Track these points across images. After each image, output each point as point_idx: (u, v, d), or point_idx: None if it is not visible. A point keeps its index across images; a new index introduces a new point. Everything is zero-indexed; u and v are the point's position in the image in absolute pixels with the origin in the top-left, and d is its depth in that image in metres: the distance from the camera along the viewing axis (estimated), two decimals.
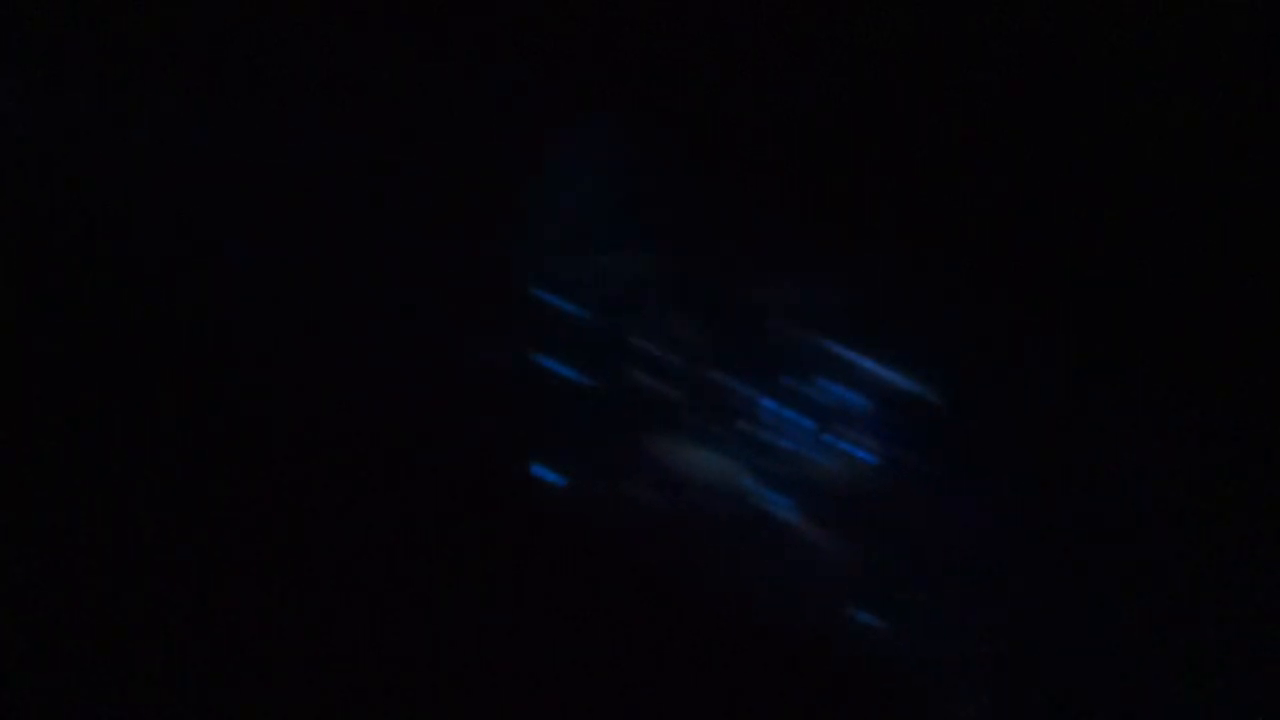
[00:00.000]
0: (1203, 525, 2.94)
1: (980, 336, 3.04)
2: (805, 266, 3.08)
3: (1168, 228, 3.07)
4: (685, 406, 3.02)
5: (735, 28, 3.19)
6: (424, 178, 3.15)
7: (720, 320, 3.06)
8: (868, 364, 3.02)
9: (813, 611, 2.98)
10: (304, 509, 3.08)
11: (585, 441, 3.06)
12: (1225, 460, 2.96)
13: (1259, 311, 3.01)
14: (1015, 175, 3.10)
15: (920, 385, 3.01)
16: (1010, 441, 3.00)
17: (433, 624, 3.04)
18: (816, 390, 3.01)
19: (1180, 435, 2.98)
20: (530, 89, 3.17)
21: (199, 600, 3.05)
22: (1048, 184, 3.10)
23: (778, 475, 3.00)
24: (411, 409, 3.10)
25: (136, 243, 3.19)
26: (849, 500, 2.98)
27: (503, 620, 3.04)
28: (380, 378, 3.12)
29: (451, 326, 3.11)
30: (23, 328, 3.16)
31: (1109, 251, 3.07)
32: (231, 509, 3.09)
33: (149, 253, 3.18)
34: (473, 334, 3.10)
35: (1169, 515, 2.95)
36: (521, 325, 3.08)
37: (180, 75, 3.20)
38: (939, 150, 3.12)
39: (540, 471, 3.05)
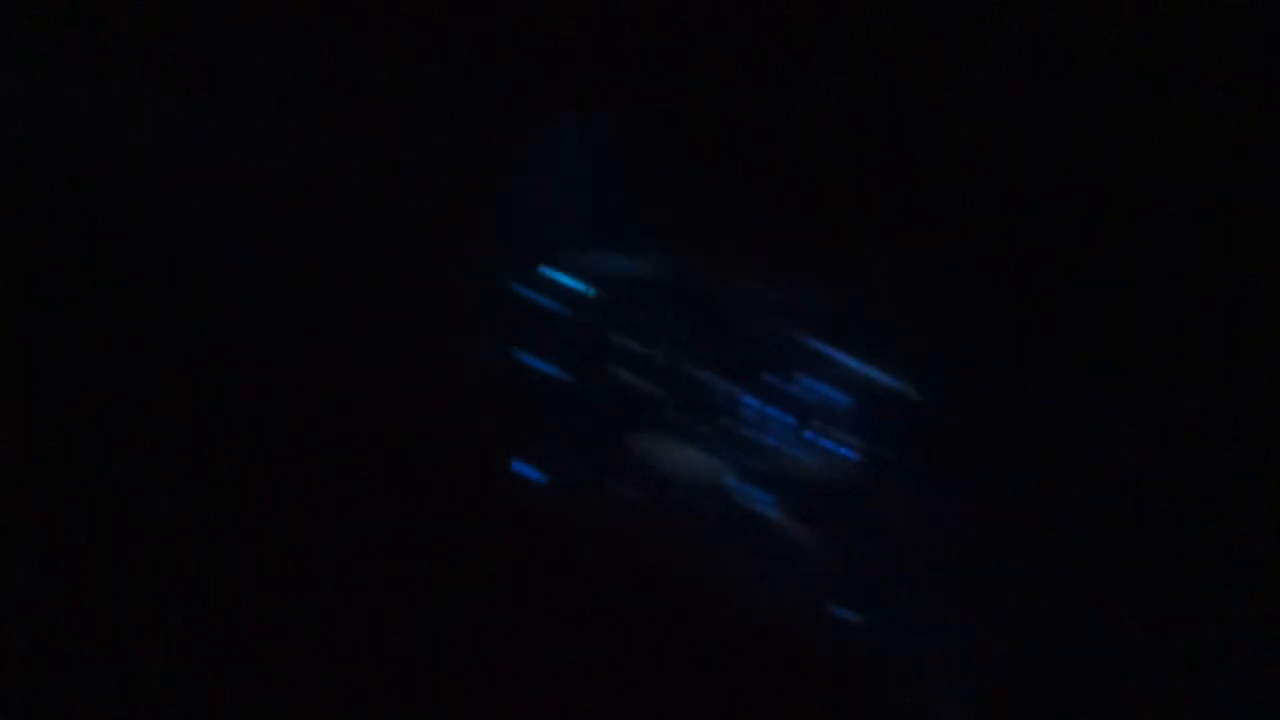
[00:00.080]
0: (1183, 519, 2.94)
1: (961, 334, 3.04)
2: (787, 264, 3.09)
3: (1163, 227, 3.07)
4: (667, 403, 3.02)
5: (734, 26, 3.19)
6: (408, 175, 3.15)
7: (702, 318, 3.06)
8: (849, 361, 3.02)
9: (793, 607, 2.98)
10: (287, 504, 3.08)
11: (567, 439, 3.06)
12: (1208, 452, 2.97)
13: (1244, 308, 3.01)
14: (1007, 173, 3.10)
15: (900, 382, 3.01)
16: (990, 438, 3.01)
17: (413, 619, 3.04)
18: (798, 387, 3.02)
19: (1161, 429, 2.98)
20: (526, 88, 3.17)
21: (193, 590, 3.06)
22: (1040, 181, 3.10)
23: (759, 472, 3.00)
24: (395, 405, 3.10)
25: (135, 242, 3.19)
26: (830, 497, 2.98)
27: (483, 616, 3.04)
28: (363, 374, 3.12)
29: (434, 323, 3.11)
30: (23, 328, 3.16)
31: (1089, 248, 3.07)
32: (221, 504, 3.09)
33: (148, 252, 3.18)
34: (456, 331, 3.10)
35: (1150, 509, 2.95)
36: (504, 322, 3.08)
37: (180, 75, 3.20)
38: (927, 149, 3.12)
39: (522, 468, 3.05)
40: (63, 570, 3.07)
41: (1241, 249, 3.05)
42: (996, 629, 2.94)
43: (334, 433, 3.08)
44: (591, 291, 3.08)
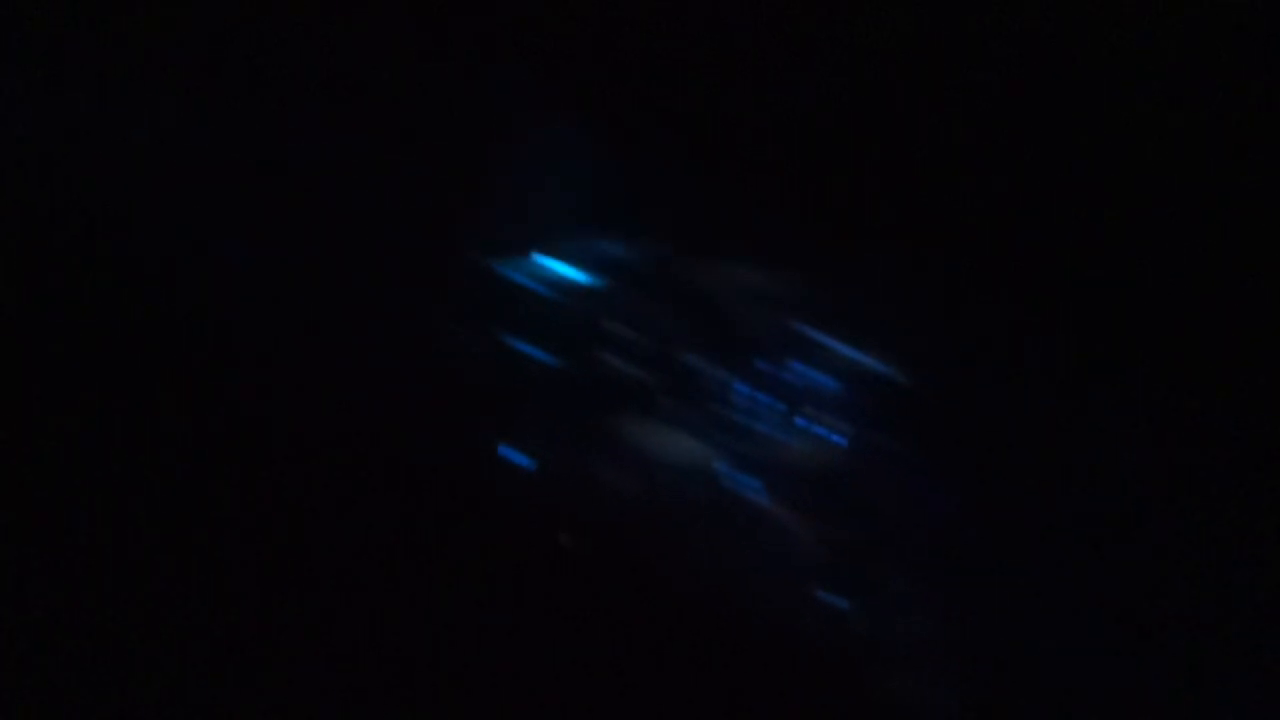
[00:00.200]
0: (1176, 506, 2.95)
1: (952, 321, 3.04)
2: (778, 249, 3.09)
3: (1163, 227, 3.07)
4: (657, 390, 3.02)
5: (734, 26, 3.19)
6: (399, 163, 3.15)
7: (692, 304, 3.07)
8: (839, 347, 3.02)
9: (782, 593, 2.98)
10: (276, 488, 3.08)
11: (556, 424, 3.06)
12: (1195, 444, 2.97)
13: (1244, 308, 3.01)
14: (1007, 173, 3.10)
15: (891, 369, 3.02)
16: (981, 425, 3.01)
17: (401, 605, 3.04)
18: (788, 373, 3.02)
19: (1150, 421, 2.98)
20: (526, 88, 3.17)
21: (191, 584, 3.06)
22: (1040, 181, 3.10)
23: (750, 458, 3.01)
24: (384, 391, 3.10)
25: (135, 242, 3.19)
26: (820, 483, 2.99)
27: (472, 602, 3.04)
28: (353, 360, 3.12)
29: (424, 309, 3.11)
30: (23, 328, 3.16)
31: (1077, 242, 3.07)
32: (214, 496, 3.09)
33: (147, 252, 3.18)
34: (445, 316, 3.10)
35: (1138, 500, 2.96)
36: (494, 308, 3.08)
37: (180, 75, 3.20)
38: (926, 148, 3.12)
39: (511, 454, 3.05)
40: (63, 570, 3.07)
41: (1241, 249, 3.05)
42: (985, 616, 2.94)
43: (324, 418, 3.08)
44: (582, 277, 3.08)
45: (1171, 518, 2.94)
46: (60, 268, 3.17)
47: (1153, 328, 3.03)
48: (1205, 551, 2.93)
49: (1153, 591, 2.92)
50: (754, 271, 3.08)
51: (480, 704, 3.01)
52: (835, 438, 3.00)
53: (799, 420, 3.02)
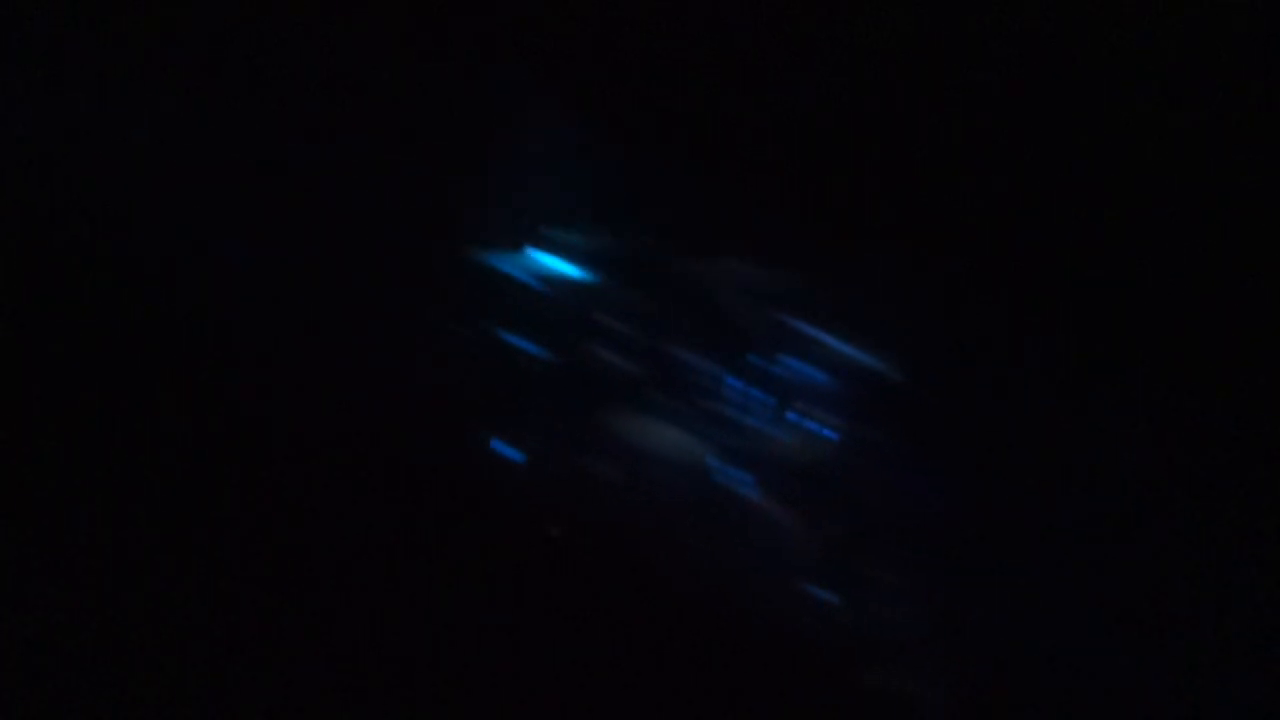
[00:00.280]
0: (1166, 504, 2.95)
1: (943, 315, 3.04)
2: (770, 245, 3.09)
3: (1163, 227, 3.07)
4: (649, 383, 3.02)
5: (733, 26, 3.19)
6: (393, 159, 3.15)
7: (685, 299, 3.07)
8: (831, 342, 3.02)
9: (773, 587, 2.99)
10: (265, 485, 3.08)
11: (548, 418, 3.06)
12: (1183, 435, 2.98)
13: (1244, 308, 3.01)
14: (996, 167, 3.10)
15: (882, 364, 3.02)
16: (972, 420, 3.01)
17: (391, 598, 3.05)
18: (780, 368, 3.02)
19: (1146, 416, 2.99)
20: (520, 83, 3.17)
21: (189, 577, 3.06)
22: (1031, 176, 3.10)
23: (741, 452, 3.01)
24: (377, 384, 3.10)
25: (135, 242, 3.19)
26: (811, 477, 2.99)
27: (463, 594, 3.04)
28: (347, 354, 3.12)
29: (418, 302, 3.11)
30: (23, 328, 3.16)
31: (1074, 240, 3.07)
32: (211, 491, 3.09)
33: (147, 252, 3.18)
34: (439, 309, 3.10)
35: (1133, 494, 2.96)
36: (487, 301, 3.08)
37: (180, 75, 3.20)
38: (913, 140, 3.12)
39: (502, 448, 3.05)
40: (63, 570, 3.07)
41: (1241, 249, 3.05)
42: (976, 611, 2.95)
43: (318, 412, 3.09)
44: (574, 272, 3.08)
45: (1166, 513, 2.95)
46: (60, 268, 3.17)
47: (1152, 326, 3.03)
48: (1203, 549, 2.93)
49: (1146, 586, 2.93)
50: (746, 266, 3.08)
51: (473, 695, 3.01)
52: (827, 432, 3.00)
53: (791, 415, 3.02)
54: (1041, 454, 2.99)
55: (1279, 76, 3.05)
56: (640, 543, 3.02)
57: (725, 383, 3.03)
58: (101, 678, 3.02)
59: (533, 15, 3.17)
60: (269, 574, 3.06)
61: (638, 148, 3.13)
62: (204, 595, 3.06)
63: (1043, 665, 2.91)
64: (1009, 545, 2.96)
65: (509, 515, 3.04)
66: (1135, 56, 3.07)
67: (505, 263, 3.10)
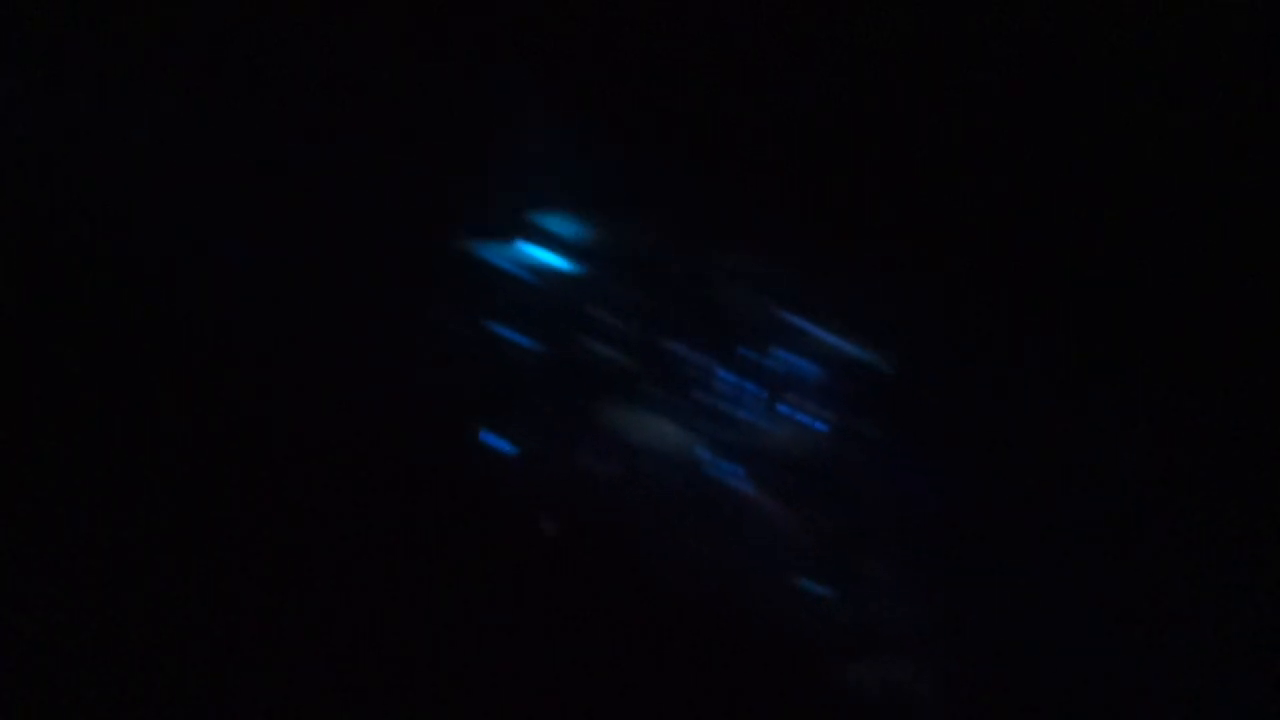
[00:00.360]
0: (1157, 497, 2.95)
1: (937, 309, 3.04)
2: (763, 237, 3.09)
3: (1163, 227, 3.07)
4: (640, 376, 3.03)
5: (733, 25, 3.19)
6: (387, 152, 3.16)
7: (676, 291, 3.07)
8: (823, 335, 3.02)
9: (764, 581, 2.99)
10: (261, 473, 3.08)
11: (539, 411, 3.06)
12: (1183, 435, 2.98)
13: (1244, 308, 3.02)
14: (996, 166, 3.10)
15: (874, 356, 3.02)
16: (964, 413, 3.01)
17: (381, 592, 3.05)
18: (772, 360, 3.02)
19: (1137, 411, 2.99)
20: (516, 79, 3.17)
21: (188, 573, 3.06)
22: (1031, 176, 3.10)
23: (732, 445, 3.01)
24: (368, 377, 3.10)
25: (135, 242, 3.19)
26: (803, 471, 2.99)
27: (453, 589, 3.04)
28: (337, 346, 3.12)
29: (409, 294, 3.11)
30: (23, 328, 3.16)
31: (1066, 236, 3.07)
32: (210, 491, 3.10)
33: (147, 252, 3.19)
34: (429, 301, 3.10)
35: (1127, 489, 2.96)
36: (478, 293, 3.08)
37: (180, 75, 3.20)
38: (912, 139, 3.12)
39: (493, 440, 3.05)
40: (63, 570, 3.07)
41: (1241, 249, 3.05)
42: (969, 604, 2.95)
43: (312, 407, 3.09)
44: (566, 264, 3.08)
45: (1164, 509, 2.95)
46: (60, 268, 3.17)
47: (1151, 327, 3.04)
48: (1199, 544, 2.94)
49: (1144, 582, 2.93)
50: (741, 259, 3.08)
51: (471, 689, 3.01)
52: (818, 425, 3.01)
53: (782, 407, 3.02)
54: (1037, 449, 2.99)
55: (1279, 76, 3.05)
56: (633, 536, 3.02)
57: (718, 376, 3.03)
58: (102, 678, 3.02)
59: (533, 15, 3.17)
60: (264, 571, 3.06)
61: (635, 145, 3.13)
62: (204, 586, 3.06)
63: (1039, 662, 2.92)
64: (1004, 540, 2.97)
65: (501, 509, 3.04)
66: (1135, 56, 3.07)
67: (498, 256, 3.10)
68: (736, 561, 3.00)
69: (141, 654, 3.03)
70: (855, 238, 3.07)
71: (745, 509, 2.99)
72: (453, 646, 3.02)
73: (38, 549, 3.08)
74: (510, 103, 3.16)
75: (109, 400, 3.14)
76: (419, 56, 3.18)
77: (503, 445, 3.05)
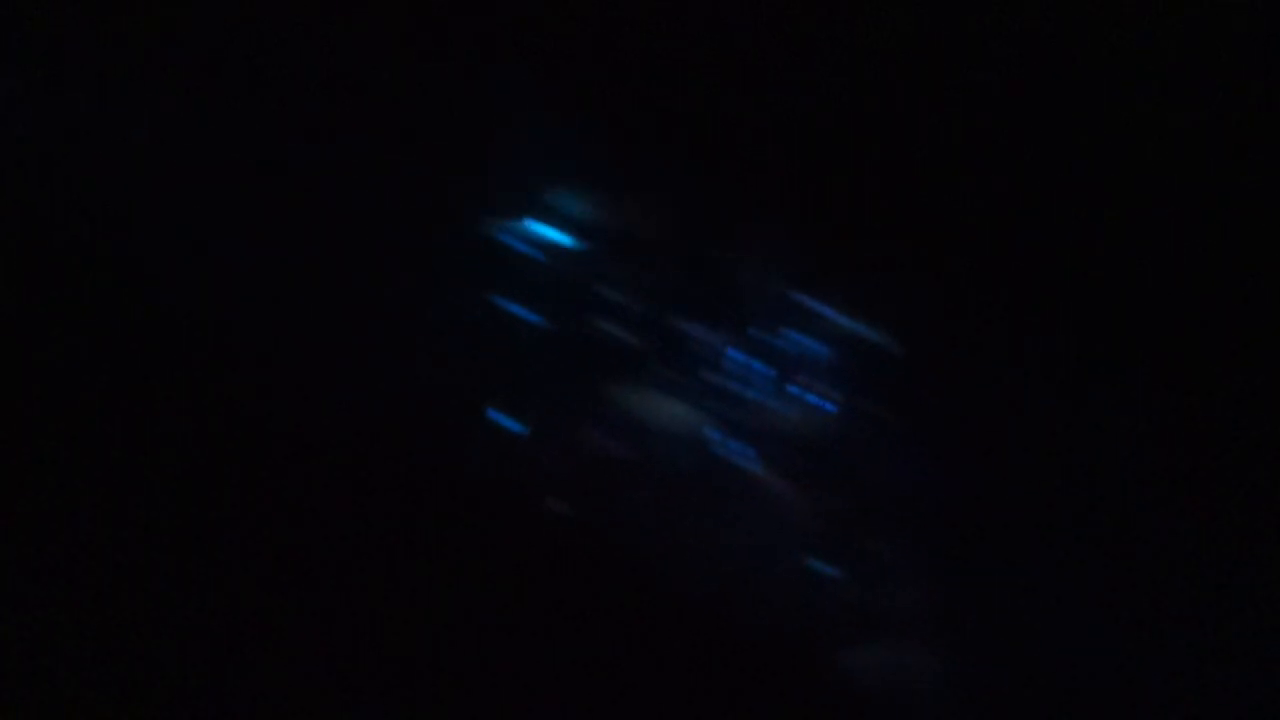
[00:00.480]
0: (1158, 480, 2.96)
1: (943, 290, 3.04)
2: (775, 218, 3.09)
3: (1163, 227, 3.07)
4: (650, 356, 3.02)
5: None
6: (391, 132, 3.15)
7: (687, 271, 3.07)
8: (833, 316, 3.02)
9: (771, 560, 2.99)
10: (265, 450, 3.08)
11: (548, 389, 3.06)
12: (1176, 420, 2.98)
13: (1244, 308, 3.02)
14: (995, 164, 3.11)
15: (884, 338, 3.02)
16: (973, 395, 3.01)
17: (389, 571, 3.04)
18: (782, 341, 3.02)
19: (1139, 397, 2.99)
20: (522, 75, 3.17)
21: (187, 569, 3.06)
22: (1032, 171, 3.11)
23: (741, 425, 3.01)
24: (377, 354, 3.10)
25: (135, 242, 3.19)
26: (811, 451, 2.99)
27: (462, 566, 3.04)
28: (346, 324, 3.12)
29: (418, 273, 3.11)
30: (23, 328, 3.16)
31: (1067, 213, 3.08)
32: (215, 482, 3.10)
33: (147, 252, 3.19)
34: (439, 280, 3.10)
35: (1128, 470, 2.96)
36: (488, 272, 3.08)
37: (180, 75, 3.20)
38: (914, 136, 3.12)
39: (501, 419, 3.04)
40: (63, 570, 3.07)
41: (1242, 249, 3.05)
42: (975, 585, 2.95)
43: (316, 388, 3.09)
44: (576, 243, 3.08)
45: (1164, 491, 2.95)
46: (60, 268, 3.17)
47: (1151, 318, 3.04)
48: (1200, 535, 2.94)
49: (1145, 562, 2.93)
50: (750, 240, 3.08)
51: (476, 661, 3.01)
52: (828, 406, 3.00)
53: (792, 388, 3.02)
54: (1046, 433, 2.99)
55: (1279, 76, 3.06)
56: (641, 515, 3.02)
57: (728, 356, 3.03)
58: (102, 678, 3.02)
59: (533, 15, 3.17)
60: (275, 550, 3.06)
61: (649, 128, 3.13)
62: (211, 574, 3.06)
63: (1043, 644, 2.92)
64: (1011, 522, 2.97)
65: (510, 487, 3.04)
66: (1135, 56, 3.08)
67: (510, 236, 3.09)
68: (743, 540, 3.00)
69: (142, 653, 3.03)
70: (866, 220, 3.07)
71: (753, 488, 2.99)
72: (463, 624, 3.02)
73: (38, 549, 3.07)
74: (521, 86, 3.16)
75: (109, 400, 3.14)
76: (421, 45, 3.18)
77: (512, 424, 3.05)
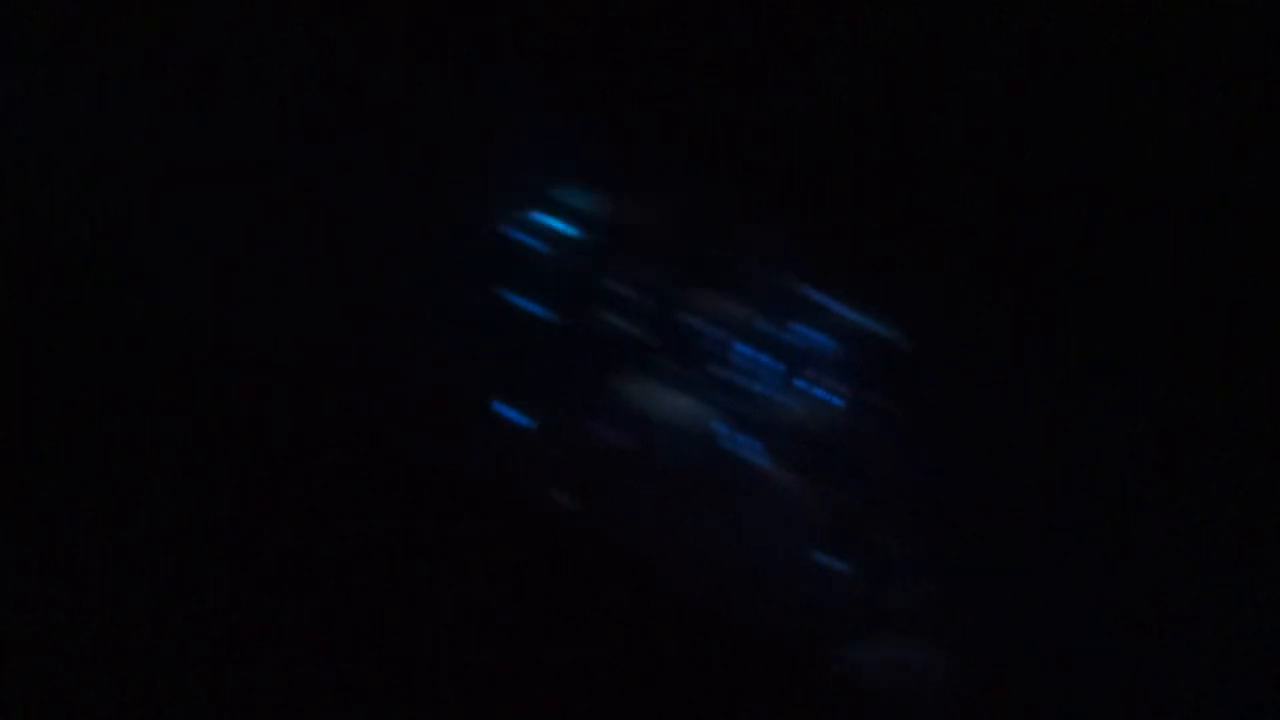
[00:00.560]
0: (1163, 480, 2.96)
1: (951, 284, 3.05)
2: (782, 211, 3.09)
3: (1163, 227, 3.07)
4: (657, 349, 3.02)
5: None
6: (394, 125, 3.15)
7: (693, 263, 3.07)
8: (841, 309, 3.02)
9: (779, 554, 2.99)
10: (268, 441, 3.08)
11: (555, 382, 3.06)
12: (1182, 418, 2.98)
13: (1244, 308, 3.02)
14: (996, 162, 3.11)
15: (891, 332, 3.02)
16: (981, 389, 3.02)
17: (393, 566, 3.04)
18: (788, 334, 3.02)
19: (1143, 393, 2.99)
20: (526, 87, 3.17)
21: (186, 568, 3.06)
22: (1032, 168, 3.11)
23: (749, 419, 3.01)
24: (382, 347, 3.10)
25: (135, 242, 3.19)
26: (819, 445, 2.99)
27: (468, 561, 3.04)
28: (350, 318, 3.12)
29: (423, 266, 3.11)
30: (23, 328, 3.16)
31: (1077, 208, 3.08)
32: (219, 475, 3.10)
33: (147, 252, 3.19)
34: (444, 273, 3.10)
35: (1129, 467, 2.97)
36: (493, 265, 3.08)
37: (180, 75, 3.20)
38: (916, 136, 3.13)
39: (508, 412, 3.04)
40: (63, 570, 3.07)
41: (1241, 249, 3.05)
42: (981, 581, 2.95)
43: (320, 381, 3.08)
44: (582, 236, 3.08)
45: (1172, 492, 2.96)
46: (60, 267, 3.17)
47: (1123, 288, 3.05)
48: (1202, 534, 2.94)
49: (1146, 560, 2.93)
50: (758, 232, 3.08)
51: (479, 661, 3.01)
52: (835, 400, 3.01)
53: (799, 382, 3.02)
54: (1053, 430, 2.99)
55: (1279, 76, 3.06)
56: (648, 508, 3.02)
57: (735, 350, 3.03)
58: (102, 678, 3.02)
59: (533, 15, 3.18)
60: (279, 545, 3.06)
61: (656, 121, 3.13)
62: (210, 572, 3.06)
63: (1048, 640, 2.92)
64: (1017, 518, 2.97)
65: (516, 480, 3.04)
66: (1135, 56, 3.08)
67: (516, 228, 3.09)
68: (750, 534, 3.00)
69: (142, 653, 3.03)
70: (874, 215, 3.08)
71: (760, 483, 2.99)
72: (469, 619, 3.02)
73: (38, 549, 3.07)
74: (526, 80, 3.16)
75: (109, 400, 3.14)
76: (422, 44, 3.18)
77: (518, 417, 3.05)
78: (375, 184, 3.15)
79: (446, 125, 3.16)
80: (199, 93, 3.19)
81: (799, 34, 3.14)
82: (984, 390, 3.02)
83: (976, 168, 3.08)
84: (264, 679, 3.01)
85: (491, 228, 3.11)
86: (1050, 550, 2.94)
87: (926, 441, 2.99)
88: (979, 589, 2.96)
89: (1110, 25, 3.09)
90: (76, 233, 3.18)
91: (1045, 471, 2.97)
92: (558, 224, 3.10)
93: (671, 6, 3.17)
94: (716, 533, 3.00)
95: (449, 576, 3.04)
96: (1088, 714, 2.92)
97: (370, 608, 3.03)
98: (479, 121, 3.16)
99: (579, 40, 3.16)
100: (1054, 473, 2.97)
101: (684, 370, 3.03)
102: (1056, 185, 3.07)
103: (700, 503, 3.01)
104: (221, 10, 3.21)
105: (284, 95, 3.19)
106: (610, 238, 3.09)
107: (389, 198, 3.14)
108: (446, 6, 3.19)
